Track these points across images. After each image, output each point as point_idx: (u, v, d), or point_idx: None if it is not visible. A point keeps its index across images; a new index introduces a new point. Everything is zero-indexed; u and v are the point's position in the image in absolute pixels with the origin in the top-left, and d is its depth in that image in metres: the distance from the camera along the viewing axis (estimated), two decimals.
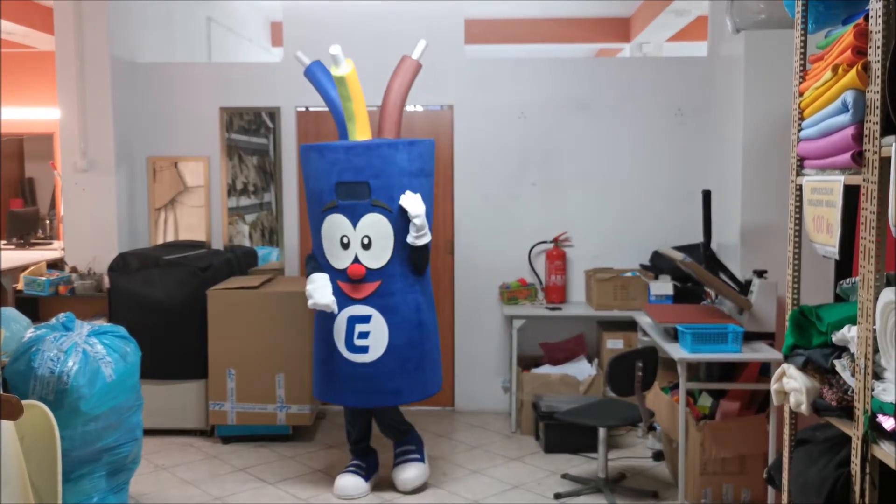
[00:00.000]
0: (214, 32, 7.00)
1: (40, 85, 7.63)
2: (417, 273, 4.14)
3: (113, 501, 3.76)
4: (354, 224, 4.01)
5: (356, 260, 4.02)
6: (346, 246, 4.03)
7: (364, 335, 4.03)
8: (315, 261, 4.19)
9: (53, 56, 5.43)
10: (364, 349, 4.04)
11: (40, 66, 7.56)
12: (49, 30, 6.11)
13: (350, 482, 4.23)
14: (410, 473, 4.26)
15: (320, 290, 4.02)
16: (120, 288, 5.05)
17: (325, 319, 4.12)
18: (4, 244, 7.40)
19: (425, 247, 4.10)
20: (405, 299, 4.09)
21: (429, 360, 4.21)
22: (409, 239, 4.02)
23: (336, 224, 4.04)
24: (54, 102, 5.51)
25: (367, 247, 4.01)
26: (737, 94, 4.77)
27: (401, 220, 4.03)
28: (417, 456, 4.33)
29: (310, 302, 4.03)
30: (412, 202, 3.98)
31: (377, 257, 4.03)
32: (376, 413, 4.29)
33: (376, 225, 4.01)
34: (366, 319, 4.03)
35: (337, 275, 4.07)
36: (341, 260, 4.05)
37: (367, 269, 4.01)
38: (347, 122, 4.11)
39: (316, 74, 4.24)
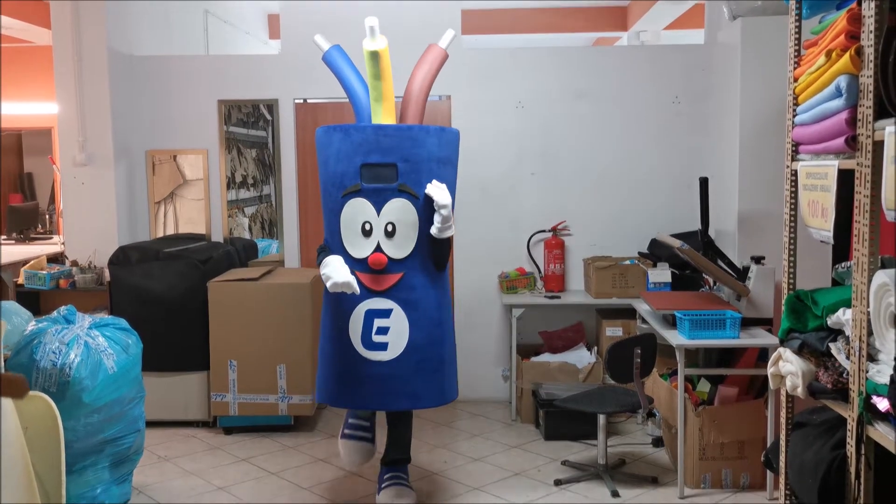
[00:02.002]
0: (212, 25, 7.00)
1: (38, 79, 7.63)
2: (438, 268, 3.91)
3: (116, 492, 3.79)
4: (378, 210, 3.73)
5: (378, 248, 3.73)
6: (367, 233, 3.73)
7: (383, 331, 3.74)
8: (328, 250, 3.89)
9: (51, 51, 5.44)
10: (383, 346, 3.74)
11: (38, 61, 7.56)
12: (46, 24, 6.10)
13: (358, 447, 4.07)
14: (406, 499, 3.94)
15: (337, 269, 3.66)
16: (120, 281, 5.07)
17: (337, 314, 3.82)
18: (4, 239, 7.42)
19: (448, 241, 3.87)
20: (427, 295, 3.82)
21: (448, 362, 3.98)
22: (433, 230, 3.75)
23: (358, 209, 3.75)
24: (52, 97, 5.51)
25: (390, 235, 3.74)
26: (734, 82, 4.78)
27: (427, 210, 3.75)
28: (408, 484, 4.05)
29: (329, 283, 3.64)
30: (439, 191, 3.72)
31: (401, 246, 3.75)
32: (391, 424, 4.07)
33: (401, 211, 3.73)
34: (386, 314, 3.75)
35: (356, 265, 3.75)
36: (362, 249, 3.75)
37: (390, 258, 3.73)
38: (374, 102, 3.86)
39: (335, 59, 4.02)
